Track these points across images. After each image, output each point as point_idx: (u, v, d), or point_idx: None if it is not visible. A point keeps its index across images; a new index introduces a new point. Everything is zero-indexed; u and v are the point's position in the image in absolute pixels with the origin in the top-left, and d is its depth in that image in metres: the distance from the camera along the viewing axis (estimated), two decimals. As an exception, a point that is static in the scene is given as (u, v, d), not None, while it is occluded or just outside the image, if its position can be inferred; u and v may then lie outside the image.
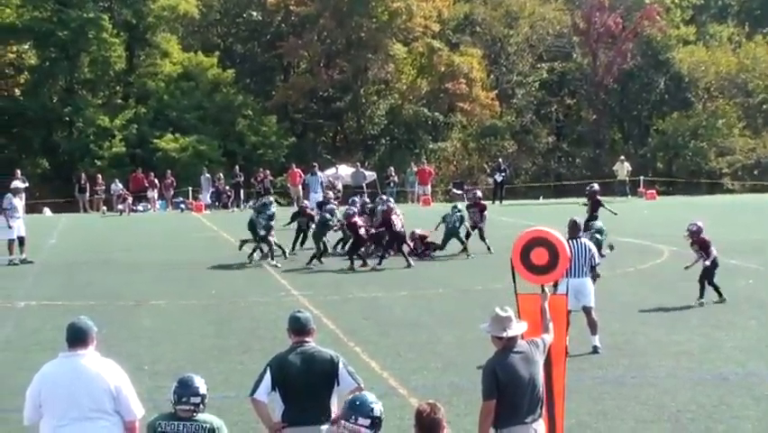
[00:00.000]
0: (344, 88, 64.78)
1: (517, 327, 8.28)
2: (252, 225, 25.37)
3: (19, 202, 26.68)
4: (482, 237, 26.48)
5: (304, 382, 8.01)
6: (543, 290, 9.11)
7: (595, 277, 15.71)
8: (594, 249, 15.28)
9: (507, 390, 8.04)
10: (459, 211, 26.86)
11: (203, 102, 59.30)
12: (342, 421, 7.23)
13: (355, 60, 63.10)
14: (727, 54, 69.58)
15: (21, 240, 25.99)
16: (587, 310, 14.77)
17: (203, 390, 7.57)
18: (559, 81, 70.62)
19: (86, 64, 59.21)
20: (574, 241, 14.74)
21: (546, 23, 69.41)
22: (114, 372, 7.70)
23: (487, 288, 20.04)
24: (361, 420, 7.11)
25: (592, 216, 26.44)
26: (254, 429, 10.11)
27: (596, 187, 28.46)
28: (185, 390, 7.52)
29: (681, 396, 12.34)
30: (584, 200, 27.95)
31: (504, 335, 8.20)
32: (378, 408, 7.15)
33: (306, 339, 8.22)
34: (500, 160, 52.60)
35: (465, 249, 26.29)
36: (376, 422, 7.13)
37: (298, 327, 8.27)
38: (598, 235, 19.32)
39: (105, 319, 15.79)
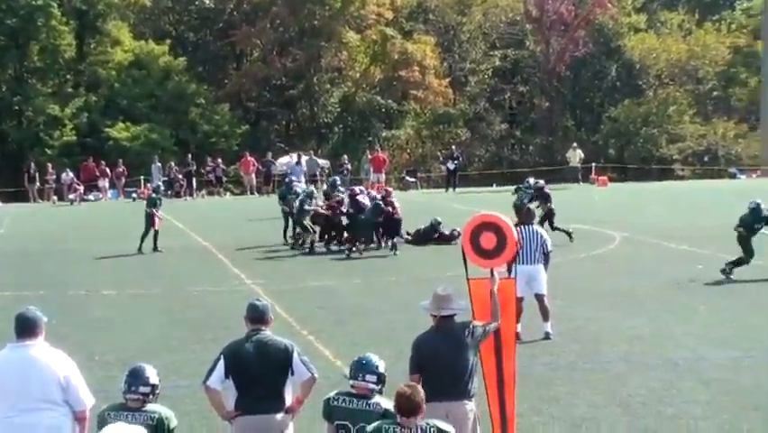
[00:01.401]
0: (297, 76, 64.58)
1: (453, 308, 8.37)
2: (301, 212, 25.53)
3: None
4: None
5: (258, 371, 7.93)
6: (492, 274, 9.13)
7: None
8: (546, 236, 15.29)
9: (426, 367, 8.25)
10: (530, 188, 26.97)
11: (155, 90, 58.83)
12: (351, 381, 7.53)
13: (308, 48, 62.91)
14: (678, 41, 70.20)
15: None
16: (539, 297, 14.79)
17: (153, 379, 7.52)
18: (512, 69, 70.85)
19: (35, 52, 58.45)
20: (525, 227, 14.80)
21: (499, 11, 69.75)
22: (63, 362, 7.62)
23: (442, 276, 20.00)
24: (368, 377, 7.53)
25: (550, 211, 26.05)
26: (208, 419, 10.04)
27: (541, 182, 27.64)
28: (135, 379, 7.48)
29: (632, 381, 12.46)
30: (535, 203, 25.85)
31: (436, 313, 8.34)
32: (381, 365, 7.62)
33: (262, 328, 8.13)
34: (453, 147, 52.66)
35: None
36: (382, 379, 7.57)
37: (256, 316, 8.18)
38: None
39: (56, 309, 15.63)
